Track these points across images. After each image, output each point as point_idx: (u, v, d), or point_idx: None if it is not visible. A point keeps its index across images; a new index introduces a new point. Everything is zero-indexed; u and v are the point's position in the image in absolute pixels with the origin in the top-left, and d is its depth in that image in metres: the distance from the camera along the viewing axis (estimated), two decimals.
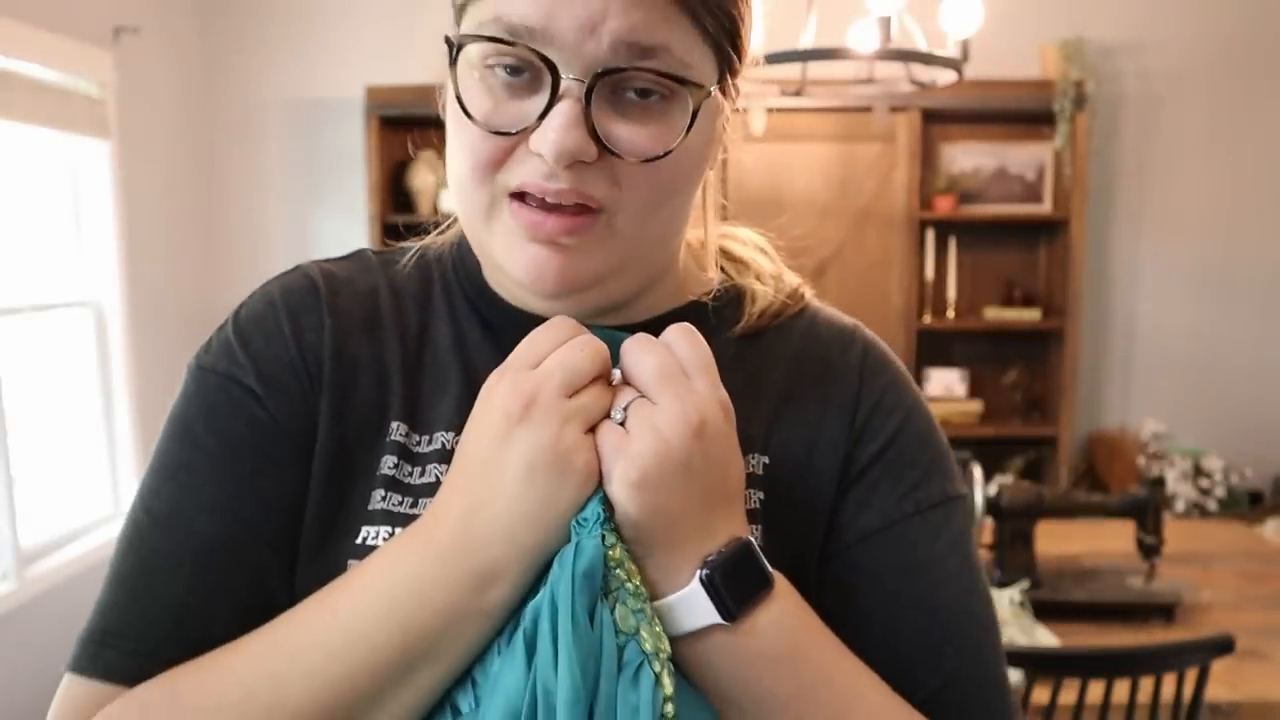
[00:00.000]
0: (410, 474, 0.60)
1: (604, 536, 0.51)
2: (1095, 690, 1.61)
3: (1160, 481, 2.17)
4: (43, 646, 3.00)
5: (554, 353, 0.53)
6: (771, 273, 0.72)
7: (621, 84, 0.53)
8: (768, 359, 0.66)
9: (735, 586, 0.52)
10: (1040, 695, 1.65)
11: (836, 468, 0.63)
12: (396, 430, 0.61)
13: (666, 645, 0.51)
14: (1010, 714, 0.62)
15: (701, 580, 0.51)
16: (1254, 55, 3.90)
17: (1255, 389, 4.01)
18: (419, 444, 0.61)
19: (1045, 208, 3.85)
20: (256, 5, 3.97)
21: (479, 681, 0.52)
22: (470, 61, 0.55)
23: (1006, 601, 1.96)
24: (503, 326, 0.63)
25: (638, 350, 0.53)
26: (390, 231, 3.73)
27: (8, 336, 2.91)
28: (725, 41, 0.56)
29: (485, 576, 0.51)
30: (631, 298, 0.62)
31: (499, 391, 0.52)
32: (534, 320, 0.58)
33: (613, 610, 0.51)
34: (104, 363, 3.38)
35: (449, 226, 0.69)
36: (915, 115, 3.64)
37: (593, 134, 0.53)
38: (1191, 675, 1.63)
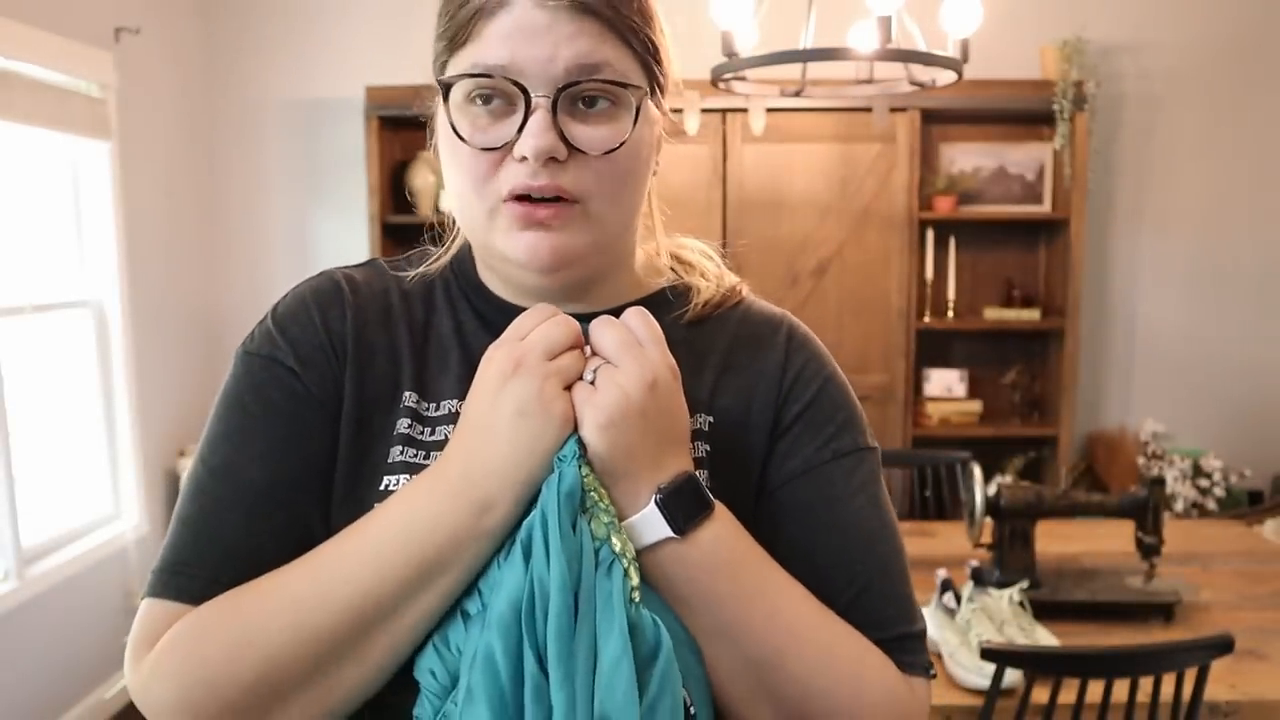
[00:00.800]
0: (422, 432, 0.74)
1: (580, 467, 0.64)
2: (1095, 690, 1.61)
3: (1160, 481, 2.16)
4: (43, 646, 3.01)
5: (537, 327, 0.66)
6: (714, 273, 0.86)
7: (577, 96, 0.68)
8: (710, 339, 0.80)
9: (682, 508, 0.66)
10: (1040, 695, 1.65)
11: (768, 424, 0.77)
12: (408, 398, 0.74)
13: (631, 549, 0.65)
14: (913, 616, 0.75)
15: (656, 502, 0.65)
16: (1253, 56, 3.91)
17: (1254, 389, 4.02)
18: (428, 409, 0.75)
19: (1045, 208, 3.85)
20: (256, 5, 3.97)
21: (483, 590, 0.65)
22: (455, 102, 0.70)
23: (1006, 601, 1.96)
24: (494, 317, 0.77)
25: (602, 326, 0.67)
26: (390, 231, 3.76)
27: (8, 336, 2.92)
28: (651, 61, 0.72)
29: (484, 505, 0.64)
30: (601, 279, 0.77)
31: (495, 357, 0.66)
32: (520, 311, 0.72)
33: (589, 522, 0.64)
34: (104, 363, 3.38)
35: (445, 252, 0.83)
36: (915, 115, 3.64)
37: (561, 137, 0.67)
38: (1191, 675, 1.63)
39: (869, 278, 3.73)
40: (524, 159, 0.67)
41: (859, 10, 2.27)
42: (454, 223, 0.82)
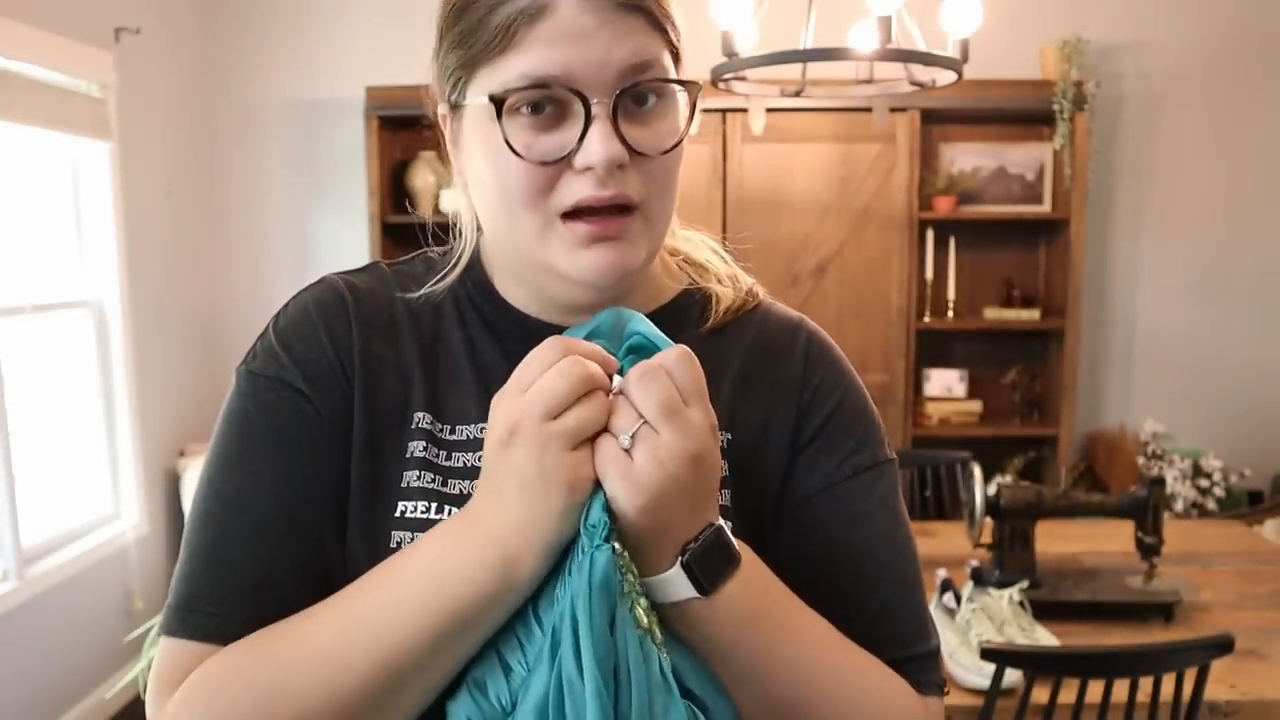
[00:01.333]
0: (438, 456, 0.71)
1: (614, 547, 0.59)
2: (1095, 690, 1.61)
3: (1160, 481, 2.16)
4: (43, 646, 3.00)
5: (538, 380, 0.59)
6: (728, 274, 0.82)
7: (631, 97, 0.65)
8: (728, 349, 0.77)
9: (708, 567, 0.62)
10: (1040, 695, 1.65)
11: (787, 438, 0.75)
12: (422, 419, 0.72)
13: (656, 628, 0.61)
14: (929, 633, 0.75)
15: (682, 565, 0.61)
16: (1253, 56, 3.90)
17: (1254, 389, 4.02)
18: (444, 432, 0.72)
19: (1045, 208, 3.85)
20: (256, 5, 3.97)
21: (523, 640, 0.62)
22: (490, 116, 0.65)
23: (1006, 601, 1.96)
24: (508, 329, 0.74)
25: (643, 383, 0.60)
26: (390, 231, 3.76)
27: (8, 336, 2.92)
28: (678, 46, 0.69)
29: (511, 562, 0.60)
30: (634, 287, 0.73)
31: (496, 416, 0.61)
32: (538, 326, 0.72)
33: (630, 609, 0.60)
34: (104, 363, 3.38)
35: (452, 269, 0.78)
36: (915, 115, 3.64)
37: (623, 141, 0.64)
38: (1191, 675, 1.63)
39: (869, 278, 3.73)
40: (586, 169, 0.64)
41: (859, 10, 2.27)
42: (460, 231, 0.79)
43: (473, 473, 0.70)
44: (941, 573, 2.12)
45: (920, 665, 0.73)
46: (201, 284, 4.00)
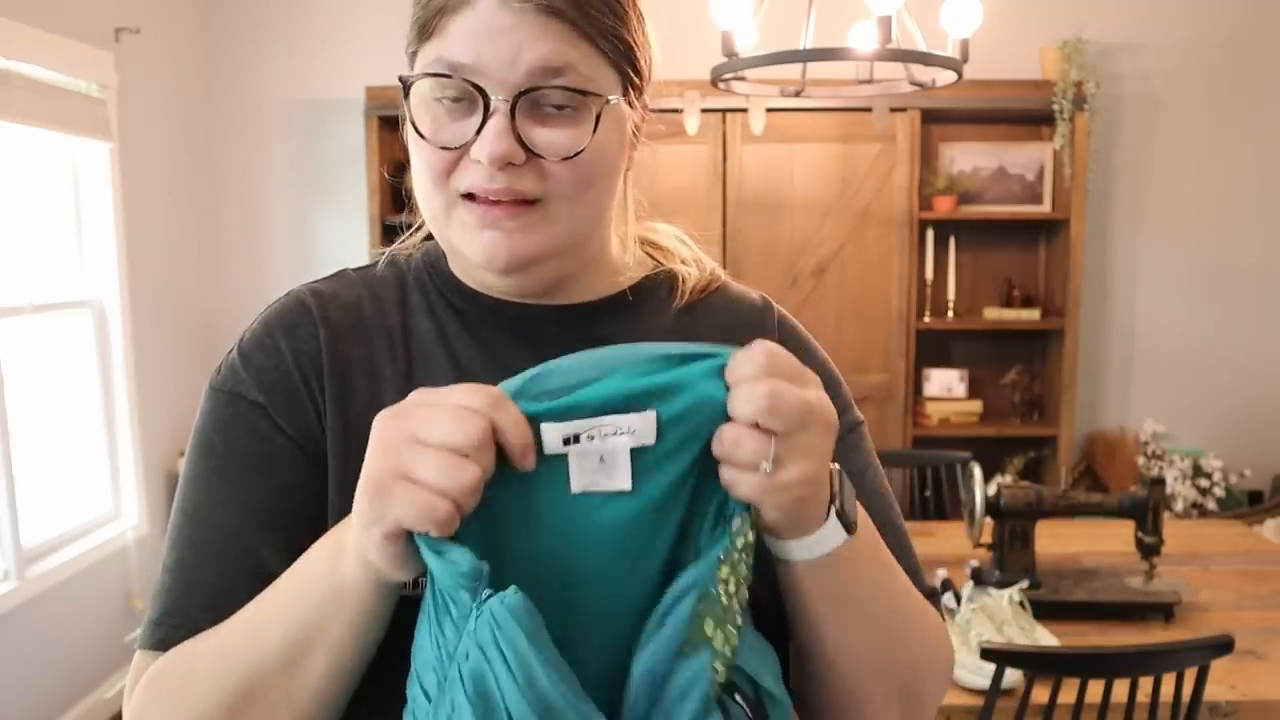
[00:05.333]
0: None
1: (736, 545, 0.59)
2: (1095, 690, 1.61)
3: (1160, 481, 2.16)
4: (43, 646, 3.00)
5: (441, 407, 0.56)
6: (692, 258, 0.85)
7: (539, 100, 0.67)
8: (702, 326, 0.79)
9: (849, 506, 0.64)
10: (1040, 695, 1.65)
11: None
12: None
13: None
14: (925, 577, 0.80)
15: (836, 514, 0.63)
16: (1253, 57, 3.91)
17: (1254, 389, 4.02)
18: None
19: (1044, 208, 3.85)
20: (256, 5, 3.97)
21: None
22: (421, 95, 0.69)
23: (1006, 601, 1.96)
24: (474, 313, 0.76)
25: (755, 401, 0.56)
26: (390, 231, 3.75)
27: (8, 336, 2.92)
28: (624, 62, 0.70)
29: (339, 555, 0.61)
30: (572, 277, 0.75)
31: (374, 449, 0.58)
32: (499, 305, 0.75)
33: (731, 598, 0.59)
34: (104, 363, 3.38)
35: (410, 235, 0.82)
36: (915, 115, 3.64)
37: (519, 141, 0.66)
38: (1191, 675, 1.63)
39: (869, 278, 3.74)
40: (478, 161, 0.67)
41: (859, 10, 2.27)
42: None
43: None
44: (941, 573, 2.12)
45: (932, 602, 0.79)
46: (201, 284, 4.00)
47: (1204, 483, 3.80)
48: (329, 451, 0.71)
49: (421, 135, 0.68)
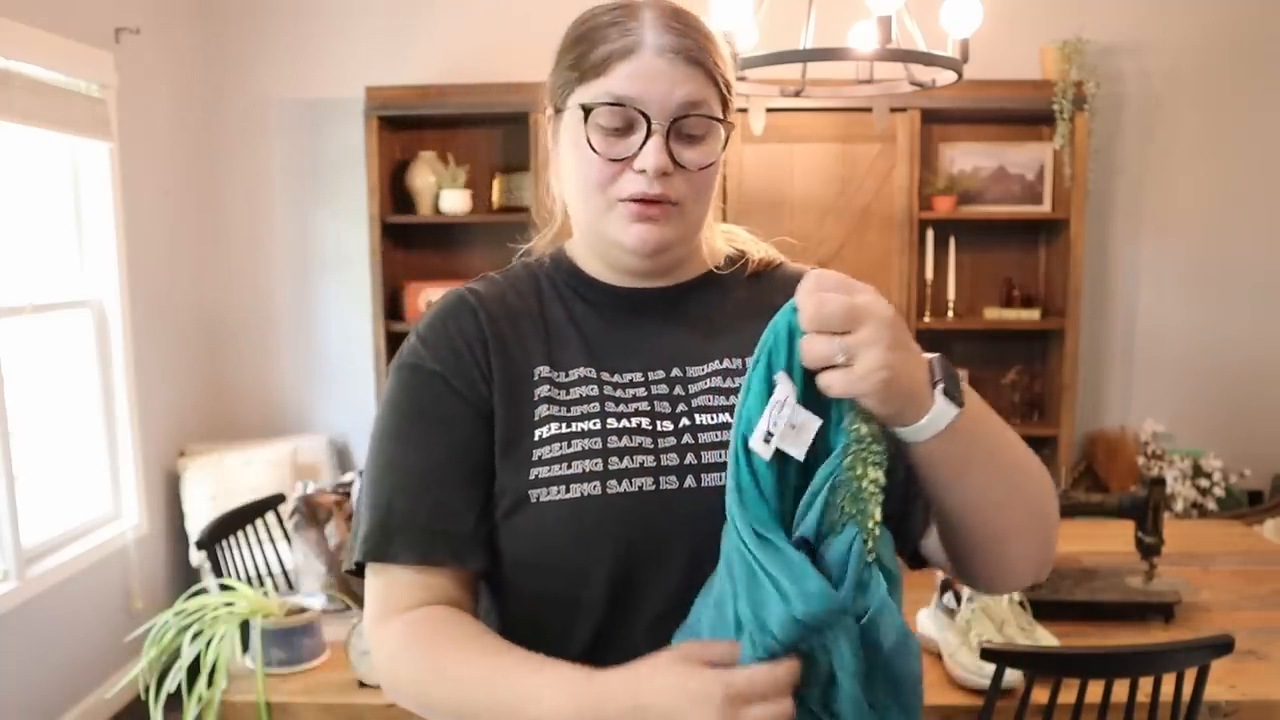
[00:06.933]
0: (557, 392, 0.92)
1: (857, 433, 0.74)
2: (1095, 690, 1.61)
3: (1160, 481, 2.16)
4: (43, 646, 3.01)
5: (753, 670, 0.72)
6: (758, 246, 1.08)
7: (682, 127, 0.90)
8: (769, 294, 0.96)
9: (953, 385, 0.77)
10: (1040, 695, 1.65)
11: None
12: (542, 371, 0.94)
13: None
14: None
15: (943, 393, 0.76)
16: (1253, 56, 3.90)
17: (1254, 389, 4.02)
18: (560, 376, 0.94)
19: (1044, 208, 3.85)
20: (256, 5, 3.97)
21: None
22: (580, 120, 0.90)
23: (1006, 601, 1.96)
24: (595, 297, 0.99)
25: (817, 311, 0.74)
26: (390, 231, 3.76)
27: (8, 336, 2.92)
28: (727, 94, 0.95)
29: None
30: (683, 260, 0.99)
31: (695, 672, 0.73)
32: (614, 290, 0.98)
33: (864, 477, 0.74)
34: (104, 363, 3.38)
35: (541, 238, 1.06)
36: (915, 115, 3.64)
37: (670, 156, 0.89)
38: (1191, 675, 1.63)
39: (869, 278, 3.58)
40: (642, 171, 0.88)
41: (859, 10, 2.27)
42: (553, 212, 1.03)
43: (585, 399, 0.91)
44: (941, 573, 2.12)
45: None
46: (201, 284, 4.00)
47: (1204, 483, 3.80)
48: (495, 405, 0.91)
49: (595, 151, 0.89)
